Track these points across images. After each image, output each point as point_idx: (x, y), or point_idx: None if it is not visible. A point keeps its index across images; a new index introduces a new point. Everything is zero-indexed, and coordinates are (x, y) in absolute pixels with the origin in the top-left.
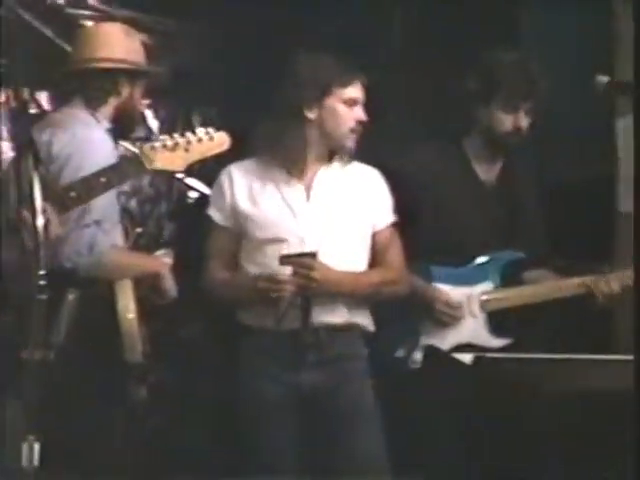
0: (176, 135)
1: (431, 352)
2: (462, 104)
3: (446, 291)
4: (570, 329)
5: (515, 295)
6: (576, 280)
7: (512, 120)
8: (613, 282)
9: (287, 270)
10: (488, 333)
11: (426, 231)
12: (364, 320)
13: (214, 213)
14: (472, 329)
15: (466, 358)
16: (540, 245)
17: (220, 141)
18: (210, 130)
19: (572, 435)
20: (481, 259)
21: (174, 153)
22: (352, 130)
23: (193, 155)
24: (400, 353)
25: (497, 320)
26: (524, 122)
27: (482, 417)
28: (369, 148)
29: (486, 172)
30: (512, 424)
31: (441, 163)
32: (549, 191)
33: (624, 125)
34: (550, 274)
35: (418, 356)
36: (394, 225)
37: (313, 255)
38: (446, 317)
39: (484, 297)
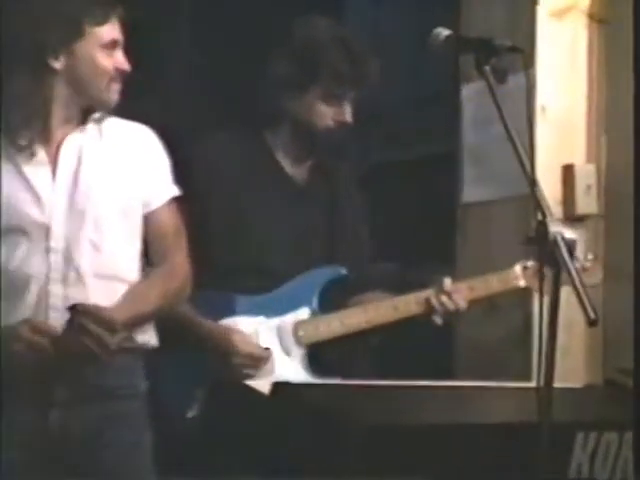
0: None
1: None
2: (267, 89)
3: (245, 331)
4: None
5: (339, 322)
6: (413, 297)
7: (334, 112)
8: (456, 295)
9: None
10: (308, 374)
11: (218, 247)
12: (145, 337)
13: None
14: (286, 371)
15: (264, 387)
16: (367, 259)
17: None
18: None
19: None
20: (293, 280)
21: None
22: (112, 80)
23: None
24: (180, 404)
25: (319, 355)
26: (348, 114)
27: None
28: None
29: (295, 168)
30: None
31: (236, 155)
32: (374, 180)
33: (470, 93)
34: (384, 296)
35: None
36: (175, 202)
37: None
38: (247, 367)
39: (299, 329)
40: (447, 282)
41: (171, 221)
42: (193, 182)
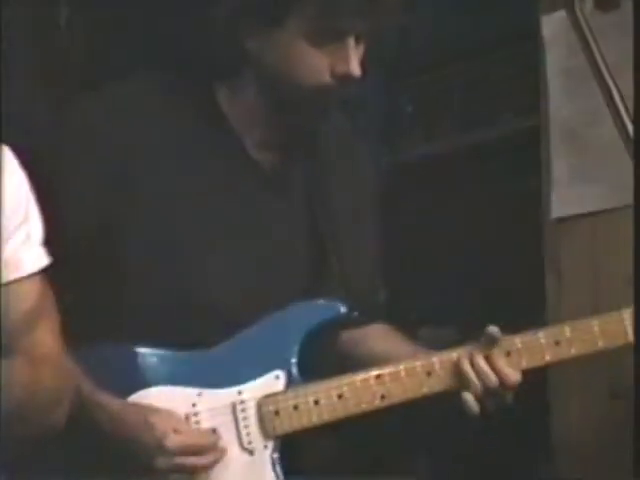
0: None
1: None
2: (215, 21)
3: (174, 412)
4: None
5: (335, 399)
6: (440, 358)
7: (331, 61)
8: (497, 358)
9: None
10: None
11: (126, 273)
12: None
13: None
14: (242, 477)
15: None
16: (378, 292)
17: None
18: None
19: None
20: (257, 325)
21: None
22: None
23: None
24: None
25: (300, 454)
26: (355, 63)
27: None
28: None
29: (264, 151)
30: None
31: (159, 117)
32: (402, 179)
33: (556, 31)
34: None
35: None
36: (45, 274)
37: None
38: (180, 470)
39: (268, 407)
40: (492, 332)
41: (40, 300)
42: (73, 166)
